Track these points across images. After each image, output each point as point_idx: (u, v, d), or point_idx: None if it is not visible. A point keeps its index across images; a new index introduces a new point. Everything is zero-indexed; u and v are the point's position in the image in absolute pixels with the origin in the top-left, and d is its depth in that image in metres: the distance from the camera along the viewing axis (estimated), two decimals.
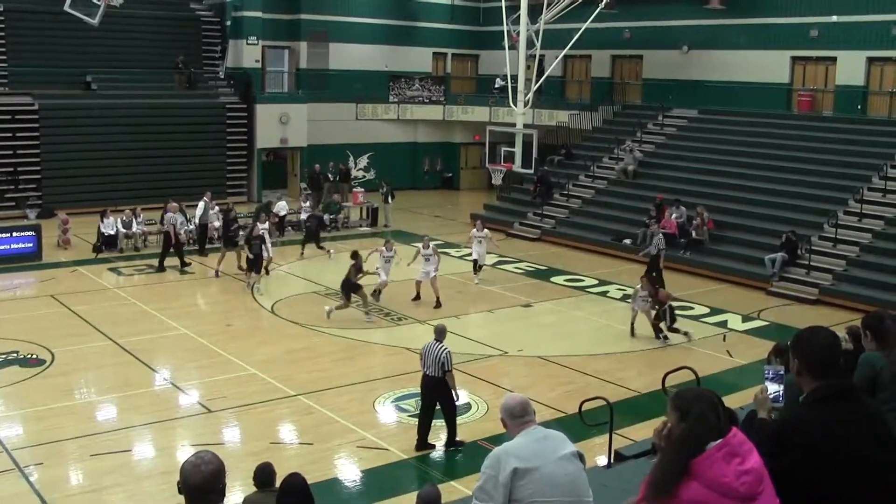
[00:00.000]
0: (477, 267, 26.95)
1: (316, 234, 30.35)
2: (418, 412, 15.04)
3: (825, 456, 4.16)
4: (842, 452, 4.17)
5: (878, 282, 25.09)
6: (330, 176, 38.85)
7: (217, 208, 31.25)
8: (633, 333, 21.49)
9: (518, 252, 31.31)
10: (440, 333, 14.77)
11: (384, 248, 23.90)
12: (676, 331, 21.13)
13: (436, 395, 14.51)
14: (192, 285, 26.52)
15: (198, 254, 29.06)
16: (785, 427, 4.44)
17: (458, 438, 14.76)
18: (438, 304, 23.55)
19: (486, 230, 27.63)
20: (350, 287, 21.87)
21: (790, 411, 4.75)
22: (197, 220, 29.62)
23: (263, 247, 25.00)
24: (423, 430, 14.62)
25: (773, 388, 5.30)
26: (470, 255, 27.67)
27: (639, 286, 21.52)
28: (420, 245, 24.90)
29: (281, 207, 33.12)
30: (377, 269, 23.50)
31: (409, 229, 34.55)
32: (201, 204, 29.43)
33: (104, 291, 24.95)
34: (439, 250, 25.35)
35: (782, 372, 5.47)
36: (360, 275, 22.03)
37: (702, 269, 27.29)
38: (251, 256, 24.81)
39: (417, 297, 23.99)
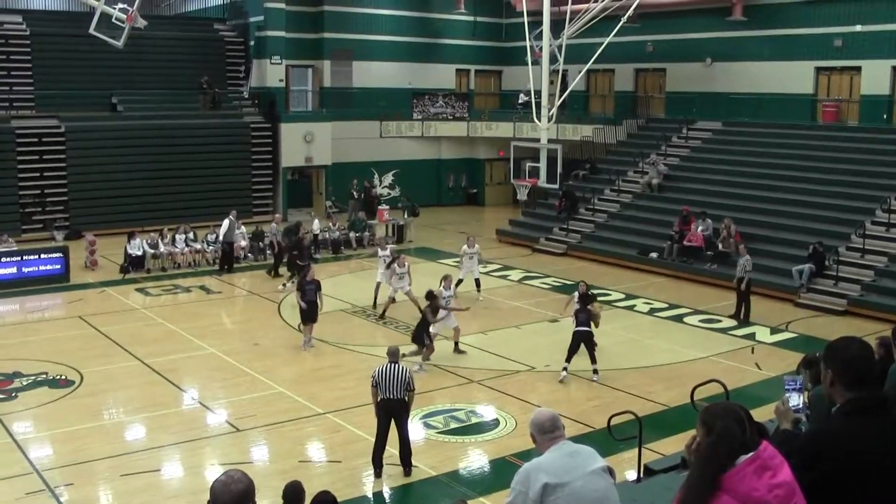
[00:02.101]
0: (471, 284, 26.68)
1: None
2: (376, 437, 14.25)
3: (858, 468, 4.12)
4: (875, 465, 4.12)
5: None
6: (355, 194, 38.95)
7: (244, 228, 31.55)
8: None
9: (544, 267, 31.26)
10: (394, 355, 14.45)
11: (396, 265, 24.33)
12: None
13: (393, 417, 14.07)
14: (219, 304, 26.62)
15: (218, 273, 29.28)
16: (818, 439, 4.40)
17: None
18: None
19: (477, 246, 27.30)
20: (424, 330, 19.97)
21: (823, 423, 4.70)
22: (221, 238, 29.86)
23: (319, 294, 21.47)
24: (381, 453, 14.13)
25: (794, 399, 5.25)
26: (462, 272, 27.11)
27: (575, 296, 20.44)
28: (396, 263, 24.75)
29: (315, 227, 33.12)
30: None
31: (434, 246, 34.56)
32: (226, 222, 29.67)
33: (132, 312, 25.07)
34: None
35: (802, 383, 5.44)
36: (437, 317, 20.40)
37: (729, 282, 27.01)
38: (304, 306, 21.20)
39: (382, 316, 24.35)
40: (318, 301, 21.41)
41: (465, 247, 27.10)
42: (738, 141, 35.70)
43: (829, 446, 4.21)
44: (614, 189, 36.32)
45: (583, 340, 19.02)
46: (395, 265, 24.38)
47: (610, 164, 38.64)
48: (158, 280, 28.79)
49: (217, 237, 30.21)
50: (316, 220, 34.03)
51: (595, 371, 19.06)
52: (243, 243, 31.41)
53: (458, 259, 27.92)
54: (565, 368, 19.16)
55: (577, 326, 19.12)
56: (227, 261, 29.76)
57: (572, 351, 19.07)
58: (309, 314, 21.24)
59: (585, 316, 19.16)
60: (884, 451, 4.16)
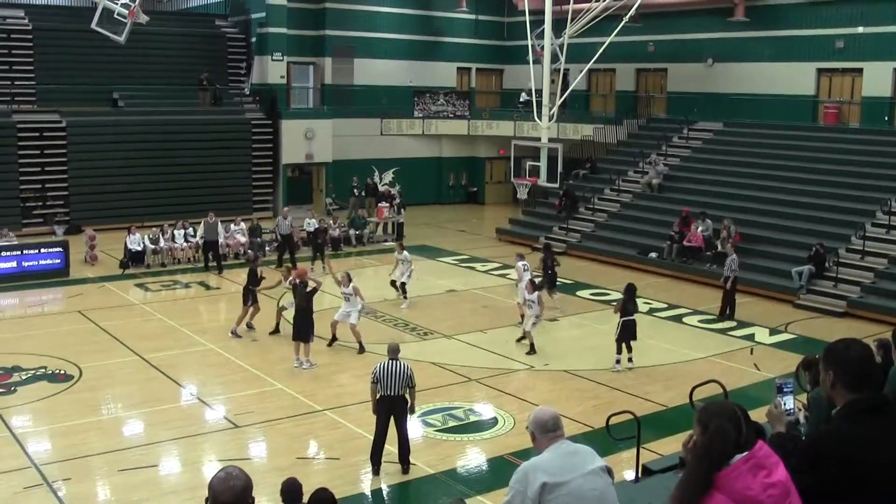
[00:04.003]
0: (399, 287, 25.63)
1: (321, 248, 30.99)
2: (376, 435, 14.20)
3: (860, 470, 4.11)
4: (877, 467, 4.12)
5: None
6: (356, 191, 38.93)
7: (242, 224, 31.61)
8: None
9: None
10: (394, 351, 14.37)
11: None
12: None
13: (393, 414, 14.06)
14: (218, 300, 26.64)
15: (203, 271, 29.42)
16: (819, 441, 4.40)
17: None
18: (361, 349, 20.77)
19: (405, 252, 25.94)
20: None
21: (824, 425, 4.70)
22: (198, 239, 29.96)
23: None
24: (380, 451, 14.13)
25: (789, 402, 5.24)
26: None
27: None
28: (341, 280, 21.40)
29: (309, 224, 32.92)
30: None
31: (434, 244, 34.51)
32: (202, 224, 29.81)
33: (131, 307, 25.09)
34: (463, 265, 25.15)
35: (793, 385, 5.43)
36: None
37: None
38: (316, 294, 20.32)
39: (333, 339, 21.36)
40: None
41: (395, 252, 26.36)
42: (739, 142, 35.68)
43: (830, 448, 4.21)
44: (614, 189, 36.32)
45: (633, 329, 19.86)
46: (342, 285, 21.25)
47: (610, 163, 38.64)
48: (158, 275, 28.80)
49: (200, 237, 30.34)
50: (311, 218, 33.59)
51: (630, 360, 19.97)
52: (242, 240, 31.42)
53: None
54: (618, 361, 19.80)
55: (624, 316, 19.75)
56: (211, 258, 29.78)
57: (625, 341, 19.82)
58: (304, 329, 19.80)
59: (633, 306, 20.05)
60: (886, 453, 4.15)
